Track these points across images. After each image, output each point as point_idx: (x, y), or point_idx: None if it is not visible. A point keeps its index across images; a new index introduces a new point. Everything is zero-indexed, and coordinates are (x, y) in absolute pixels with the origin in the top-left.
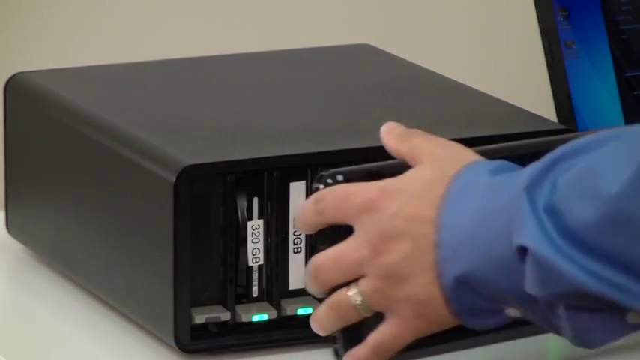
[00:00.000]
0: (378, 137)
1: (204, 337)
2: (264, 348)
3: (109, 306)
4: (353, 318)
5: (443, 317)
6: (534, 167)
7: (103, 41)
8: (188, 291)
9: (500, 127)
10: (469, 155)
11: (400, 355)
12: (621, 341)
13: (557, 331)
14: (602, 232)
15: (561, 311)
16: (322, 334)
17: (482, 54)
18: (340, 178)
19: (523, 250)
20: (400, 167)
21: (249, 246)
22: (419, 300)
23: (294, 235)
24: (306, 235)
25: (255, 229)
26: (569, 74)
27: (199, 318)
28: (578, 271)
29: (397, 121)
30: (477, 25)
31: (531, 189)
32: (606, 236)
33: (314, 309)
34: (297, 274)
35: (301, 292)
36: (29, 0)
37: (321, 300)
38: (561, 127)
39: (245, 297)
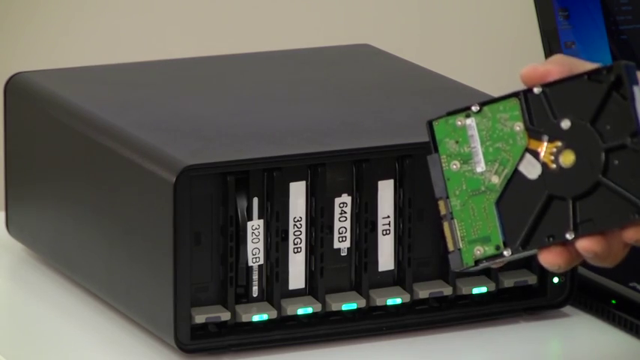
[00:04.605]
0: (377, 137)
1: (204, 337)
2: (264, 348)
3: (109, 306)
4: None
5: None
6: None
7: (102, 41)
8: (188, 291)
9: None
10: None
11: None
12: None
13: None
14: None
15: None
16: None
17: (482, 54)
18: None
19: None
20: None
21: (249, 246)
22: None
23: (294, 235)
24: (306, 235)
25: (255, 229)
26: None
27: (199, 318)
28: None
29: (397, 121)
30: (477, 25)
31: None
32: None
33: (314, 309)
34: (297, 274)
35: (301, 292)
36: (29, 0)
37: (319, 299)
38: None
39: (245, 297)
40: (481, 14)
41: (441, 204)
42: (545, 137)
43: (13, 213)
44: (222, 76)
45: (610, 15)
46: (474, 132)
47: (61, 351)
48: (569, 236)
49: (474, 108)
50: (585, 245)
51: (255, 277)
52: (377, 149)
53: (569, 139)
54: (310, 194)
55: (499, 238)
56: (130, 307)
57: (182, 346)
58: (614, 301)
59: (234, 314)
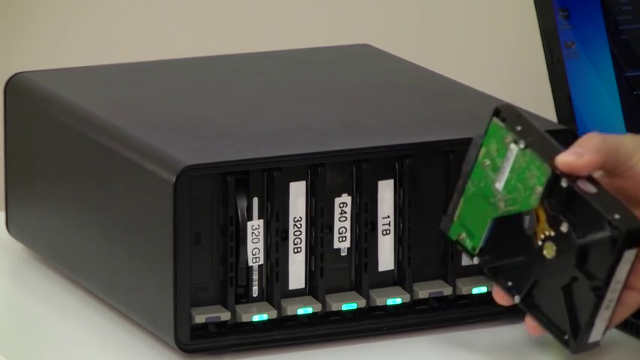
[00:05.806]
0: (377, 137)
1: (204, 337)
2: (264, 348)
3: (109, 306)
4: None
5: None
6: None
7: (103, 41)
8: (188, 291)
9: None
10: None
11: None
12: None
13: None
14: None
15: None
16: None
17: (482, 54)
18: None
19: None
20: None
21: (249, 246)
22: None
23: (294, 235)
24: (306, 235)
25: (255, 229)
26: (569, 74)
27: (199, 318)
28: None
29: (397, 121)
30: (477, 25)
31: None
32: None
33: (314, 309)
34: (297, 274)
35: (301, 292)
36: (29, 0)
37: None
38: (561, 127)
39: (245, 297)
40: (481, 14)
41: (463, 176)
42: (548, 217)
43: (13, 213)
44: (222, 76)
45: (610, 15)
46: (510, 158)
47: (61, 351)
48: (517, 299)
49: (521, 144)
50: (527, 322)
51: (255, 277)
52: (377, 149)
53: (559, 239)
54: (310, 194)
55: (479, 244)
56: (130, 307)
57: (182, 346)
58: None
59: (234, 314)
